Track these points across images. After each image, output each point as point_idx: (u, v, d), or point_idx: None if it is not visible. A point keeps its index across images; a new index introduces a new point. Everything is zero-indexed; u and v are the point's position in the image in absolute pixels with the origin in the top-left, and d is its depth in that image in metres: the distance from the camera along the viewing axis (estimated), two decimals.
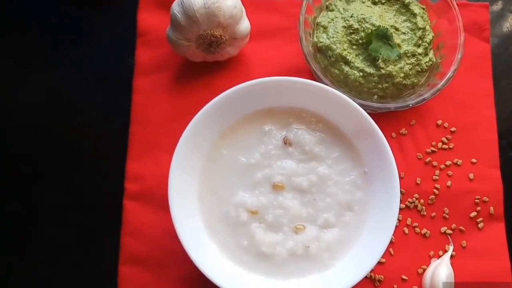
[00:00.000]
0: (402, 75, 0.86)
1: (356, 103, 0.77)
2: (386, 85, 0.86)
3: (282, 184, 0.79)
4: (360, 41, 0.87)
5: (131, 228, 0.86)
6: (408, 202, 0.88)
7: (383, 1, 0.91)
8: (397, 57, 0.86)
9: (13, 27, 0.97)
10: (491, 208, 0.88)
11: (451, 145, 0.91)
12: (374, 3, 0.91)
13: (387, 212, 0.75)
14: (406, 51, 0.87)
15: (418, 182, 0.89)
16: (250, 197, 0.79)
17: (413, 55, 0.87)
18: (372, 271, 0.84)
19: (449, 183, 0.89)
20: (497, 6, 1.00)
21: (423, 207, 0.88)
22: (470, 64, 0.93)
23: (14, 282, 0.87)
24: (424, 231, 0.87)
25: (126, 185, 0.88)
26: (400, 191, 0.85)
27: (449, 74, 0.85)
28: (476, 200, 0.88)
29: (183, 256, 0.72)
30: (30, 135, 0.92)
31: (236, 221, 0.78)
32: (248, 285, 0.75)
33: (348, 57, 0.86)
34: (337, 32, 0.87)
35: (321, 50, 0.88)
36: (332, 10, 0.90)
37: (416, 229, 0.87)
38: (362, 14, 0.87)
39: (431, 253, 0.87)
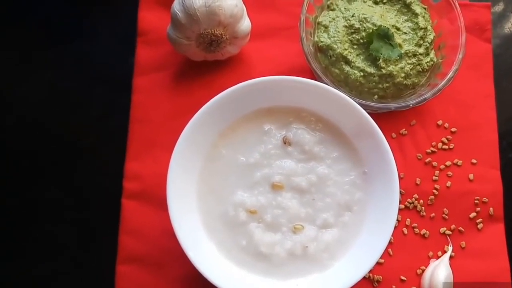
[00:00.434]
0: (403, 75, 0.86)
1: (357, 103, 0.77)
2: (387, 85, 0.86)
3: (281, 184, 0.79)
4: (361, 40, 0.87)
5: (129, 227, 0.86)
6: (408, 202, 0.88)
7: (385, 1, 0.91)
8: (398, 57, 0.86)
9: (14, 24, 0.97)
10: (491, 209, 0.88)
11: (451, 146, 0.90)
12: (376, 3, 0.91)
13: (386, 212, 0.75)
14: (407, 51, 0.87)
15: (418, 182, 0.89)
16: (249, 196, 0.78)
17: (414, 55, 0.87)
18: (370, 271, 0.85)
19: (449, 183, 0.89)
20: (499, 7, 1.00)
21: (423, 207, 0.88)
22: (471, 64, 0.93)
23: (13, 280, 0.87)
24: (423, 231, 0.87)
25: (125, 184, 0.88)
26: (400, 191, 0.85)
27: (450, 74, 0.85)
28: (476, 201, 0.88)
29: (182, 255, 0.72)
30: (30, 133, 0.92)
31: (234, 221, 0.77)
32: (246, 285, 0.75)
33: (349, 57, 0.86)
34: (338, 32, 0.87)
35: (322, 50, 0.88)
36: (333, 10, 0.89)
37: (415, 229, 0.87)
38: (363, 14, 0.87)
39: (430, 253, 0.86)
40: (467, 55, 0.86)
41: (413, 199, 0.88)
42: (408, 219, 0.87)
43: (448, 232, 0.87)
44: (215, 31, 0.83)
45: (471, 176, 0.89)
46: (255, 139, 0.81)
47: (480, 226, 0.87)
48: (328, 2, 0.90)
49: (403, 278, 0.85)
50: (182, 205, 0.75)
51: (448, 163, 0.90)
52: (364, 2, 0.90)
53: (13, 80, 0.95)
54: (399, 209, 0.87)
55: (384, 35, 0.85)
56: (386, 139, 0.76)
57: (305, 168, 0.80)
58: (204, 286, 0.75)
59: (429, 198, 0.88)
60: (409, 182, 0.89)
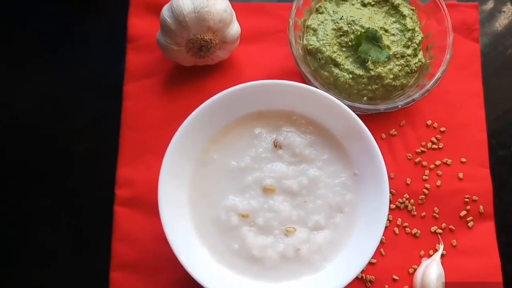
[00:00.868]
0: (391, 76, 0.87)
1: (346, 105, 0.78)
2: (376, 86, 0.87)
3: (273, 187, 0.79)
4: (350, 43, 0.87)
5: (122, 234, 0.86)
6: (399, 202, 0.89)
7: (373, 3, 0.91)
8: (387, 59, 0.86)
9: (4, 32, 0.97)
10: (481, 207, 0.89)
11: (441, 145, 0.91)
12: (364, 5, 0.91)
13: (377, 213, 0.76)
14: (396, 53, 0.87)
15: (408, 182, 0.89)
16: (240, 200, 0.79)
17: (402, 56, 0.88)
18: (363, 271, 0.86)
19: (438, 182, 0.89)
20: (487, 6, 1.00)
21: (413, 207, 0.89)
22: (460, 64, 0.94)
23: (5, 286, 0.88)
24: (414, 231, 0.88)
25: (117, 191, 0.88)
26: (390, 191, 0.86)
27: (438, 74, 0.86)
28: (466, 199, 0.89)
29: (174, 261, 0.72)
30: (21, 140, 0.93)
31: (226, 225, 0.78)
32: None
33: (337, 59, 0.87)
34: (327, 35, 0.88)
35: (311, 53, 0.88)
36: (321, 13, 0.90)
37: (406, 229, 0.88)
38: (351, 17, 0.88)
39: (422, 252, 0.87)
40: (455, 55, 0.87)
41: (404, 199, 0.89)
42: (399, 219, 0.88)
43: (439, 231, 0.88)
44: (205, 36, 0.84)
45: (460, 175, 0.90)
46: (245, 143, 0.81)
47: (470, 224, 0.88)
48: (317, 6, 0.90)
49: (395, 277, 0.86)
50: (173, 210, 0.75)
51: (437, 162, 0.90)
52: (352, 4, 0.91)
53: (4, 87, 0.95)
54: (390, 209, 0.88)
55: (372, 37, 0.86)
56: (376, 140, 0.76)
57: (296, 170, 0.80)
58: None
59: (420, 198, 0.89)
60: (400, 182, 0.90)
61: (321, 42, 0.87)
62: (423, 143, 0.91)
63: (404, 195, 0.89)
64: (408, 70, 0.88)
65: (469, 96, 0.94)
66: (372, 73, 0.86)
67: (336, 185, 0.80)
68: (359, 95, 0.87)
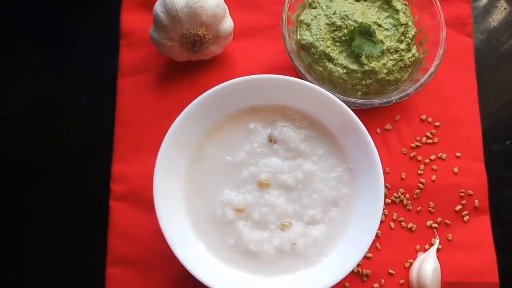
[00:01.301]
0: (385, 71, 0.87)
1: (340, 99, 0.78)
2: (370, 81, 0.87)
3: (268, 181, 0.79)
4: (343, 38, 0.87)
5: (118, 229, 0.86)
6: (394, 197, 0.89)
7: None
8: (380, 53, 0.86)
9: None
10: (476, 201, 0.89)
11: (436, 140, 0.91)
12: (357, 0, 0.91)
13: (372, 207, 0.76)
14: (389, 47, 0.87)
15: (403, 177, 0.89)
16: (236, 195, 0.79)
17: (396, 51, 0.88)
18: (359, 266, 0.85)
19: (434, 177, 0.90)
20: (481, 1, 1.01)
21: (409, 201, 0.89)
22: (453, 59, 0.94)
23: (2, 285, 0.87)
24: (410, 225, 0.88)
25: (112, 186, 0.88)
26: (386, 186, 0.86)
27: (432, 69, 0.86)
28: (461, 194, 0.89)
29: (171, 256, 0.72)
30: (16, 137, 0.92)
31: (222, 220, 0.78)
32: (235, 283, 0.75)
33: (331, 54, 0.87)
34: (320, 30, 0.88)
35: (305, 48, 0.88)
36: (315, 8, 0.90)
37: (402, 223, 0.88)
38: (344, 11, 0.88)
39: (418, 247, 0.87)
40: (448, 49, 0.87)
41: (399, 193, 0.89)
42: (395, 213, 0.88)
43: (434, 225, 0.88)
44: (198, 32, 0.83)
45: (455, 169, 0.90)
46: (240, 138, 0.81)
47: (466, 218, 0.88)
48: (310, 0, 0.90)
49: (391, 271, 0.86)
50: (169, 205, 0.75)
51: (432, 157, 0.91)
52: None
53: None
54: (386, 204, 0.88)
55: (365, 32, 0.86)
56: (371, 134, 0.76)
57: (291, 165, 0.80)
58: (194, 286, 0.75)
59: (415, 192, 0.89)
60: (395, 176, 0.90)
61: (314, 37, 0.87)
62: (418, 138, 0.91)
63: (400, 190, 0.89)
64: (402, 65, 0.88)
65: (463, 90, 0.94)
66: (366, 67, 0.86)
67: (332, 180, 0.80)
68: (354, 89, 0.87)
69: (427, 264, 0.83)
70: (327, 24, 0.88)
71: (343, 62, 0.86)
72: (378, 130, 0.91)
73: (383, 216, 0.88)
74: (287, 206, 0.79)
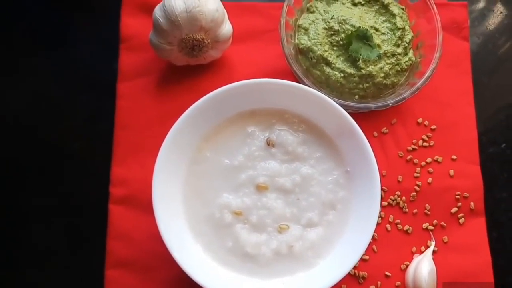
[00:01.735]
0: (382, 75, 0.87)
1: (338, 103, 0.78)
2: (367, 85, 0.87)
3: (266, 184, 0.80)
4: (341, 42, 0.88)
5: (117, 232, 0.86)
6: (390, 199, 0.90)
7: (363, 2, 0.92)
8: (377, 57, 0.87)
9: None
10: (472, 203, 0.90)
11: (432, 143, 0.92)
12: (354, 5, 0.92)
13: (369, 210, 0.76)
14: (386, 51, 0.88)
15: (400, 179, 0.90)
16: (234, 198, 0.79)
17: (393, 55, 0.88)
18: (356, 268, 0.86)
19: (430, 180, 0.90)
20: (477, 5, 1.01)
21: (405, 204, 0.89)
22: (450, 62, 0.95)
23: (1, 285, 0.87)
24: (406, 227, 0.88)
25: (111, 189, 0.88)
26: (382, 189, 0.87)
27: (428, 73, 0.86)
28: (457, 196, 0.90)
29: (169, 259, 0.72)
30: (15, 138, 0.93)
31: (220, 223, 0.78)
32: (233, 285, 0.76)
33: (329, 58, 0.87)
34: (318, 34, 0.88)
35: (303, 52, 0.89)
36: (312, 12, 0.91)
37: (398, 226, 0.89)
38: (342, 16, 0.88)
39: (414, 249, 0.88)
40: (445, 53, 0.88)
41: (396, 196, 0.90)
42: (391, 216, 0.89)
43: (430, 227, 0.89)
44: (197, 36, 0.84)
45: (451, 172, 0.91)
46: (239, 141, 0.81)
47: (461, 220, 0.89)
48: (308, 5, 0.91)
49: (387, 274, 0.87)
50: (167, 208, 0.76)
51: (428, 159, 0.91)
52: (343, 4, 0.92)
53: None
54: (382, 206, 0.89)
55: (363, 36, 0.87)
56: (368, 138, 0.77)
57: (289, 168, 0.81)
58: None
59: (411, 195, 0.90)
60: (391, 179, 0.90)
61: (312, 41, 0.88)
62: (414, 141, 0.92)
63: (396, 192, 0.90)
64: (399, 69, 0.89)
65: (459, 94, 0.95)
66: (363, 71, 0.87)
67: (329, 183, 0.81)
68: (351, 93, 0.88)
69: (423, 266, 0.84)
70: (325, 28, 0.88)
71: (341, 66, 0.87)
72: (375, 134, 0.92)
73: (380, 218, 0.89)
74: (284, 209, 0.79)
